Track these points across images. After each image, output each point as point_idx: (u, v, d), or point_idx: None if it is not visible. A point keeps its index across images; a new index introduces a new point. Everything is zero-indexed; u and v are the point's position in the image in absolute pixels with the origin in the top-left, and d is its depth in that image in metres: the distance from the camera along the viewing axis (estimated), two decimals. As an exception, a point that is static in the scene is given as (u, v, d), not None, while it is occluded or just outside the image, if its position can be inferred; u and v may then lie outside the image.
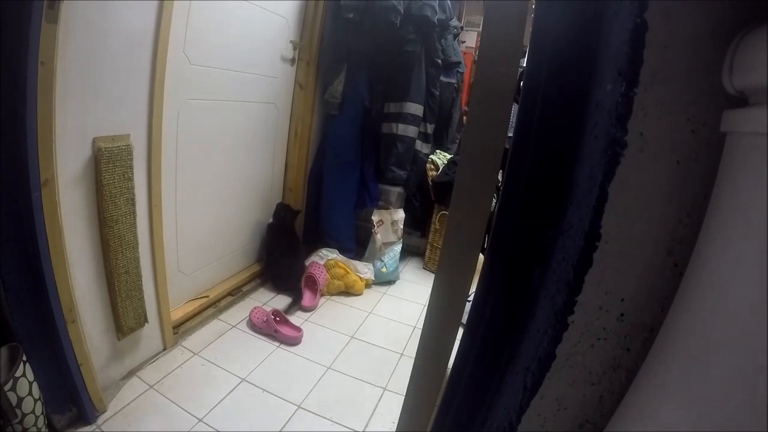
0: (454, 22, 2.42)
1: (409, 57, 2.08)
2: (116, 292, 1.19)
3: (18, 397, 0.91)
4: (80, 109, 1.02)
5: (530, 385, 0.52)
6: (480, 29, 2.67)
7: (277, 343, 1.66)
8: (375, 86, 2.18)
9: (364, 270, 2.20)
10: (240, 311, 1.86)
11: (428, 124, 2.33)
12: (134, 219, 1.20)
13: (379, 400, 1.42)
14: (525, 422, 0.53)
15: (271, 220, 2.15)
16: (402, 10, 1.93)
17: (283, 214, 2.12)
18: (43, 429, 1.00)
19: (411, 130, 2.21)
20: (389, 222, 2.34)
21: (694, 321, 0.38)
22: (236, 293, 1.95)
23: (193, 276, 1.72)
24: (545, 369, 0.50)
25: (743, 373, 0.32)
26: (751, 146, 0.34)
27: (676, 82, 0.40)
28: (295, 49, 2.03)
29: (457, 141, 2.67)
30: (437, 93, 2.28)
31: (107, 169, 1.09)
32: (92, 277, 1.15)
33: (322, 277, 2.05)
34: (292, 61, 2.05)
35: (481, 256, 0.69)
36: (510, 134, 0.63)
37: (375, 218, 2.31)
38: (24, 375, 0.93)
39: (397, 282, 2.36)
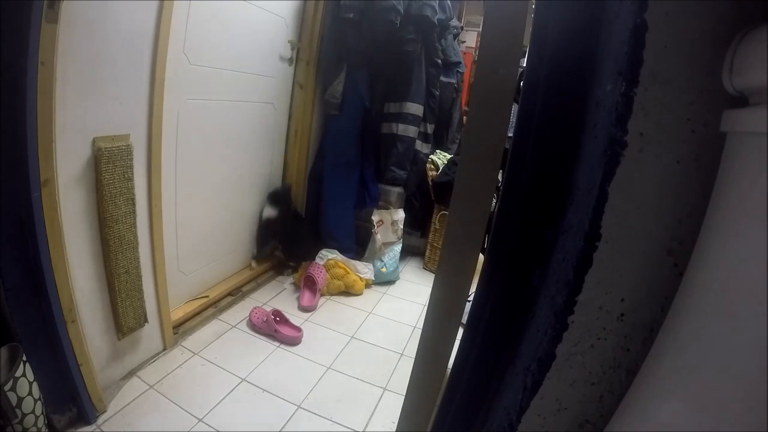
0: (454, 22, 2.42)
1: (409, 57, 2.08)
2: (116, 292, 1.19)
3: (18, 397, 0.91)
4: (80, 109, 1.02)
5: (530, 385, 0.52)
6: (480, 29, 2.67)
7: (277, 343, 1.66)
8: (375, 86, 2.18)
9: (364, 270, 2.20)
10: (240, 311, 1.86)
11: (428, 124, 2.33)
12: (134, 219, 1.20)
13: (379, 400, 1.42)
14: (525, 422, 0.53)
15: (270, 214, 2.12)
16: (402, 10, 1.93)
17: (277, 201, 2.12)
18: (43, 429, 1.00)
19: (411, 130, 2.21)
20: (389, 222, 2.34)
21: (694, 321, 0.38)
22: (236, 293, 1.95)
23: (193, 276, 1.72)
24: (545, 369, 0.50)
25: (743, 373, 0.32)
26: (751, 146, 0.34)
27: (676, 82, 0.40)
28: (293, 48, 2.03)
29: (457, 141, 2.67)
30: (437, 93, 2.28)
31: (107, 169, 1.09)
32: (92, 277, 1.15)
33: (321, 277, 2.05)
34: (290, 60, 2.05)
35: (481, 256, 0.69)
36: (510, 134, 0.63)
37: (375, 218, 2.31)
38: (24, 375, 0.93)
39: (397, 282, 2.36)
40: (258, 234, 2.13)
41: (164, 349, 1.50)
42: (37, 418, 0.96)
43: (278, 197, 2.12)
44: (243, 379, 1.43)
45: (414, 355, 0.74)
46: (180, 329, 1.60)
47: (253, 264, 2.11)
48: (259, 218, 2.11)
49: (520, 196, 0.58)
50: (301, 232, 2.23)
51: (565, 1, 0.53)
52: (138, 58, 1.16)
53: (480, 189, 0.62)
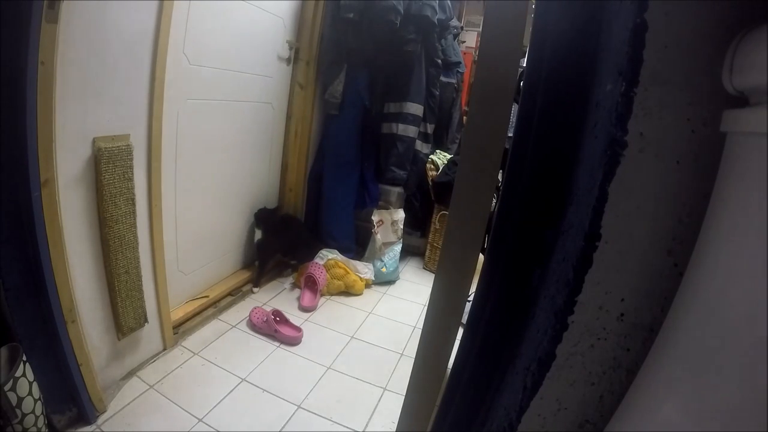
0: (454, 22, 2.42)
1: (409, 57, 2.08)
2: (116, 292, 1.19)
3: (18, 397, 0.91)
4: (80, 109, 1.02)
5: (530, 385, 0.52)
6: (480, 29, 2.67)
7: (277, 343, 1.66)
8: (375, 86, 2.18)
9: (364, 270, 2.20)
10: (240, 311, 1.86)
11: (428, 124, 2.33)
12: (134, 219, 1.20)
13: (379, 400, 1.42)
14: (525, 422, 0.53)
15: (259, 237, 2.06)
16: (402, 10, 1.93)
17: (264, 221, 2.07)
18: (43, 429, 1.00)
19: (411, 130, 2.21)
20: (389, 222, 2.34)
21: (694, 321, 0.38)
22: (236, 293, 1.95)
23: (193, 276, 1.72)
24: (545, 369, 0.50)
25: (743, 373, 0.32)
26: (751, 146, 0.34)
27: (676, 82, 0.40)
28: (291, 48, 2.03)
29: (457, 141, 2.67)
30: (437, 93, 2.28)
31: (107, 169, 1.09)
32: (92, 277, 1.15)
33: (322, 277, 2.05)
34: (288, 60, 2.05)
35: (481, 256, 0.69)
36: (510, 134, 0.63)
37: (375, 218, 2.31)
38: (24, 375, 0.93)
39: (397, 282, 2.36)
40: (258, 259, 2.07)
41: (164, 349, 1.50)
42: (37, 418, 0.96)
43: (262, 218, 2.06)
44: (243, 379, 1.43)
45: (414, 355, 0.74)
46: (180, 329, 1.60)
47: (255, 290, 2.02)
48: (254, 243, 2.07)
49: (520, 196, 0.58)
50: (300, 234, 2.22)
51: (565, 1, 0.53)
52: (138, 58, 1.16)
53: (480, 189, 0.62)
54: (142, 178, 1.26)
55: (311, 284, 2.04)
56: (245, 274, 2.06)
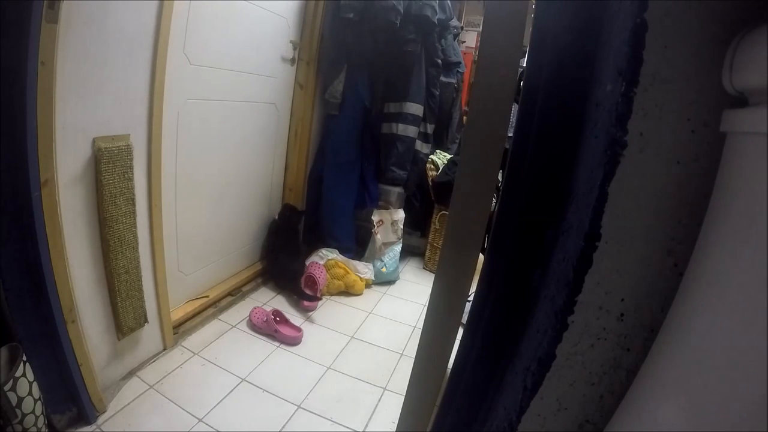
0: (454, 22, 2.42)
1: (409, 57, 2.08)
2: (116, 292, 1.19)
3: (18, 397, 0.91)
4: (80, 109, 1.02)
5: (530, 385, 0.52)
6: (480, 29, 2.67)
7: (277, 343, 1.66)
8: (375, 86, 2.18)
9: (364, 270, 2.20)
10: (240, 311, 1.86)
11: (428, 124, 2.33)
12: (134, 219, 1.20)
13: (379, 400, 1.42)
14: (525, 422, 0.53)
15: (275, 217, 2.19)
16: (402, 10, 1.93)
17: (288, 215, 2.15)
18: (43, 429, 1.00)
19: (411, 130, 2.21)
20: (389, 222, 2.34)
21: (694, 321, 0.38)
22: (236, 293, 1.95)
23: (193, 276, 1.72)
24: (545, 369, 0.50)
25: (743, 373, 0.32)
26: (751, 146, 0.34)
27: (676, 82, 0.40)
28: (295, 49, 2.02)
29: (457, 141, 2.67)
30: (437, 93, 2.28)
31: (107, 169, 1.09)
32: (92, 277, 1.15)
33: (322, 277, 2.05)
34: (292, 61, 2.05)
35: (481, 256, 0.69)
36: (510, 134, 0.63)
37: (375, 218, 2.31)
38: (24, 375, 0.93)
39: (397, 282, 2.36)
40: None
41: (164, 349, 1.50)
42: (37, 418, 0.96)
43: (282, 222, 2.16)
44: (243, 379, 1.43)
45: (414, 355, 0.74)
46: (180, 329, 1.60)
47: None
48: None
49: (520, 196, 0.58)
50: (286, 264, 2.12)
51: (565, 1, 0.53)
52: (138, 58, 1.16)
53: (480, 189, 0.62)
54: (142, 178, 1.26)
55: (312, 284, 2.04)
56: (246, 275, 2.06)
